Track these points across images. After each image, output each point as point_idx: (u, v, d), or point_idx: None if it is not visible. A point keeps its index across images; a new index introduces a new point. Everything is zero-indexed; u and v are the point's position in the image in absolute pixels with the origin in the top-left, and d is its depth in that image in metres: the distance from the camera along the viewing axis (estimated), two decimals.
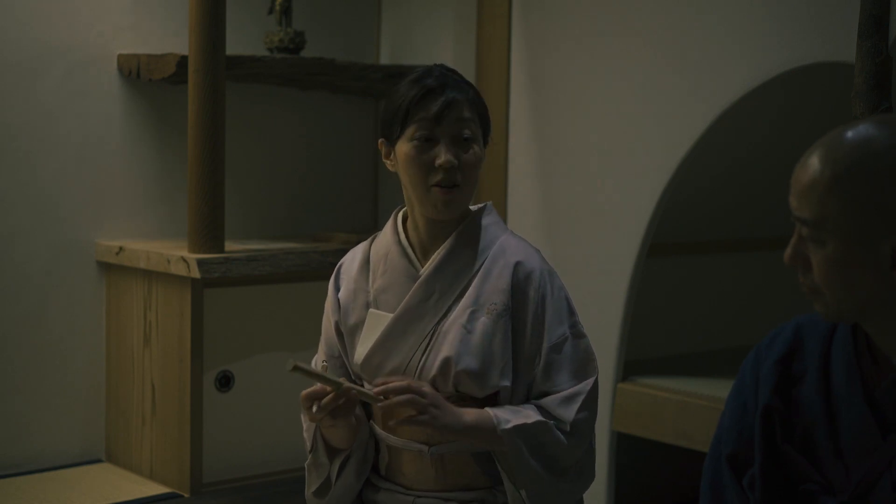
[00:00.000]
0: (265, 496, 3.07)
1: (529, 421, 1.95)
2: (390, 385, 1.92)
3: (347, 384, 1.92)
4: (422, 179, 1.98)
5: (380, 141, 2.06)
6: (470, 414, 1.95)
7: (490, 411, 1.95)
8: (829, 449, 1.58)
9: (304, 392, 1.94)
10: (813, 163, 1.48)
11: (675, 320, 3.65)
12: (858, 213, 1.44)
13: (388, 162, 2.06)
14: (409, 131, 1.98)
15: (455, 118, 1.97)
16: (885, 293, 1.47)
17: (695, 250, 3.68)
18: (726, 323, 3.77)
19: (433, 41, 3.64)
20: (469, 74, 3.59)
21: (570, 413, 1.97)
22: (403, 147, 1.99)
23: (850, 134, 1.48)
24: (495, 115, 3.49)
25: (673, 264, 3.61)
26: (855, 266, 1.46)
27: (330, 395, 1.90)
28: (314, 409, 1.91)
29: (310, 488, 2.10)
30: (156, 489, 3.07)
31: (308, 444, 2.08)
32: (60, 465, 3.23)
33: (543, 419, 1.96)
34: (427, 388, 1.93)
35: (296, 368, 1.85)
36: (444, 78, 2.00)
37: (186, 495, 3.03)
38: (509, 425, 1.93)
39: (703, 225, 3.64)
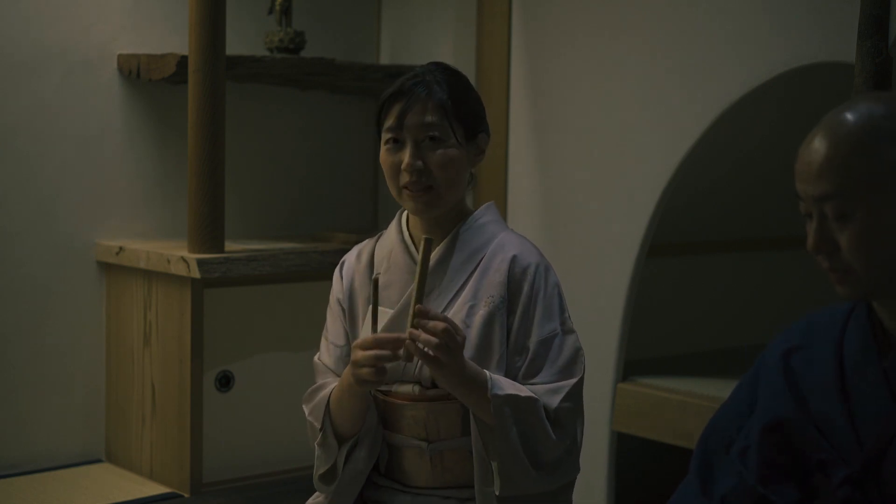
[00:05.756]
0: (265, 496, 3.07)
1: (522, 394, 1.96)
2: (432, 312, 1.90)
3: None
4: (393, 182, 2.04)
5: None
6: (471, 369, 1.94)
7: (487, 374, 1.96)
8: (845, 428, 1.59)
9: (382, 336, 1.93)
10: (826, 139, 1.51)
11: (675, 320, 3.65)
12: (888, 171, 1.46)
13: None
14: (383, 135, 2.04)
15: (417, 122, 2.00)
16: None
17: (695, 250, 3.68)
18: (726, 323, 3.77)
19: (433, 41, 3.64)
20: (469, 74, 3.56)
21: (554, 401, 1.98)
22: (381, 150, 2.05)
23: (856, 105, 1.51)
24: (495, 114, 3.49)
25: (673, 264, 3.61)
26: (888, 230, 1.48)
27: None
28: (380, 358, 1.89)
29: (318, 471, 2.10)
30: (156, 489, 3.07)
31: (317, 424, 2.07)
32: (60, 465, 3.23)
33: (535, 396, 1.97)
34: (462, 332, 1.92)
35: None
36: (418, 79, 2.02)
37: (186, 495, 3.04)
38: (502, 392, 1.93)
39: (703, 225, 3.64)
